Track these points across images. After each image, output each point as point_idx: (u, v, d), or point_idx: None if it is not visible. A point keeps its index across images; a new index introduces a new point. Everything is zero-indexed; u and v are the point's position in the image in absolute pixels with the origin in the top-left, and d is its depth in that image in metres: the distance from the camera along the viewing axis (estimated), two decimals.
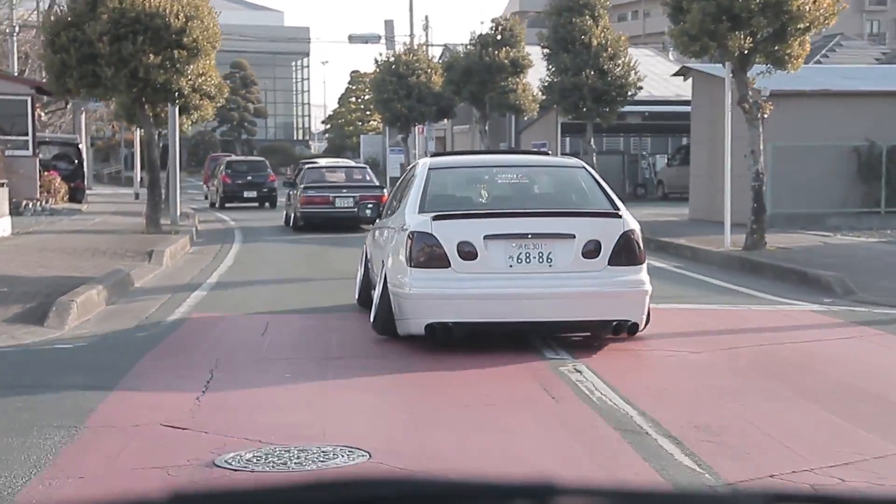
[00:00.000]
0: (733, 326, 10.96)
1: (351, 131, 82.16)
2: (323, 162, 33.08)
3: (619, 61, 26.81)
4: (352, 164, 32.18)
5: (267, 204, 36.96)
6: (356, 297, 12.06)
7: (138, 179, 42.89)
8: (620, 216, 9.44)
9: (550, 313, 9.21)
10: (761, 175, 18.18)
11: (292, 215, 26.04)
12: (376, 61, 44.00)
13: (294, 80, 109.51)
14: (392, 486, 1.48)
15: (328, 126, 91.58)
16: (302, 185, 25.66)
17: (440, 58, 45.62)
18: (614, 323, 9.34)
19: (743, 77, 17.89)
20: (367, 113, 77.54)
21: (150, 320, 11.25)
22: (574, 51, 26.50)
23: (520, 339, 9.64)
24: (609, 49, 26.58)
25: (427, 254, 9.14)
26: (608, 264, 9.24)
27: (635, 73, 26.91)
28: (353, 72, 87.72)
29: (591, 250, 9.22)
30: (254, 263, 17.88)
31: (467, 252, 9.13)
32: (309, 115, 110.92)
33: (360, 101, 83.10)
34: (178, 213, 25.30)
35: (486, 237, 9.13)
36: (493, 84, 34.69)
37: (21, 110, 29.22)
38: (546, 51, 27.37)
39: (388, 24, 51.33)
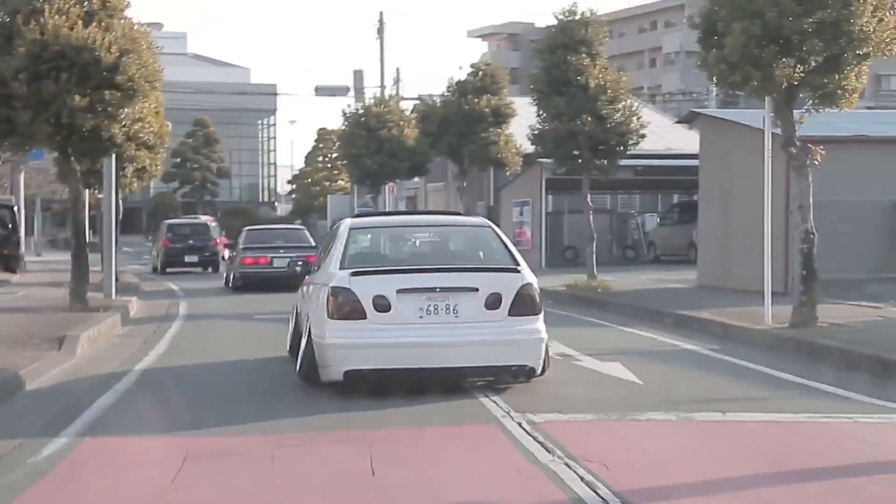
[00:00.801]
0: (858, 457, 7.63)
1: (318, 191, 78.78)
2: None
3: (620, 105, 23.54)
4: (290, 226, 34.93)
5: (210, 269, 36.19)
6: (287, 347, 12.56)
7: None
8: (519, 271, 10.30)
9: (457, 360, 9.97)
10: (812, 235, 14.95)
11: (232, 276, 27.04)
12: (344, 113, 40.87)
13: (260, 139, 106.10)
14: None
15: (294, 186, 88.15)
16: (241, 247, 26.75)
17: (413, 111, 42.60)
18: (513, 368, 10.20)
19: (789, 115, 14.70)
20: (335, 172, 74.27)
21: (17, 453, 7.80)
22: (569, 93, 23.24)
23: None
24: (608, 92, 23.33)
25: (346, 306, 9.90)
26: (508, 315, 10.05)
27: (637, 119, 23.67)
28: (320, 129, 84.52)
29: (493, 302, 10.02)
30: (193, 349, 14.47)
31: (382, 305, 9.90)
32: (275, 176, 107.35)
33: (327, 159, 79.85)
34: (114, 283, 21.83)
35: (398, 291, 9.93)
36: (473, 135, 31.47)
37: None
38: (536, 94, 24.08)
39: (357, 75, 48.43)
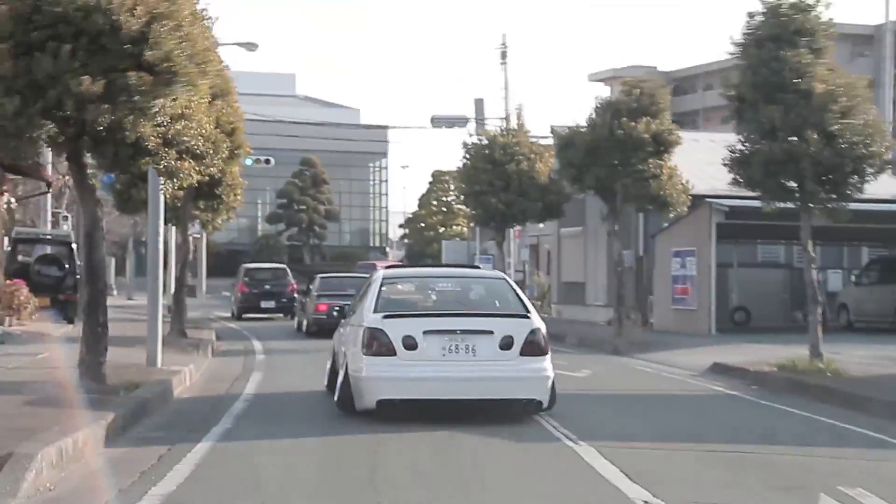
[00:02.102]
0: None
1: (432, 236, 73.08)
2: None
3: (858, 120, 16.92)
4: (362, 274, 35.41)
5: (289, 316, 36.02)
6: (325, 383, 14.16)
7: (171, 288, 34.48)
8: (529, 317, 12.07)
9: (474, 393, 11.75)
10: None
11: (305, 321, 28.84)
12: (466, 144, 34.85)
13: (371, 182, 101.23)
14: None
15: (406, 230, 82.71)
16: (315, 294, 28.39)
17: (550, 138, 36.52)
18: (523, 401, 11.96)
19: None
20: (451, 215, 68.52)
21: None
22: (785, 101, 16.86)
23: None
24: (841, 99, 16.82)
25: (378, 345, 11.64)
26: (519, 355, 11.80)
27: (883, 140, 16.92)
28: (435, 171, 79.08)
29: (506, 344, 11.79)
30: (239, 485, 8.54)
31: (410, 344, 11.66)
32: (387, 221, 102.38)
33: (442, 202, 74.21)
34: (160, 346, 16.03)
35: (424, 332, 11.69)
36: (629, 167, 25.22)
37: None
38: (735, 102, 17.52)
39: (478, 104, 42.70)
